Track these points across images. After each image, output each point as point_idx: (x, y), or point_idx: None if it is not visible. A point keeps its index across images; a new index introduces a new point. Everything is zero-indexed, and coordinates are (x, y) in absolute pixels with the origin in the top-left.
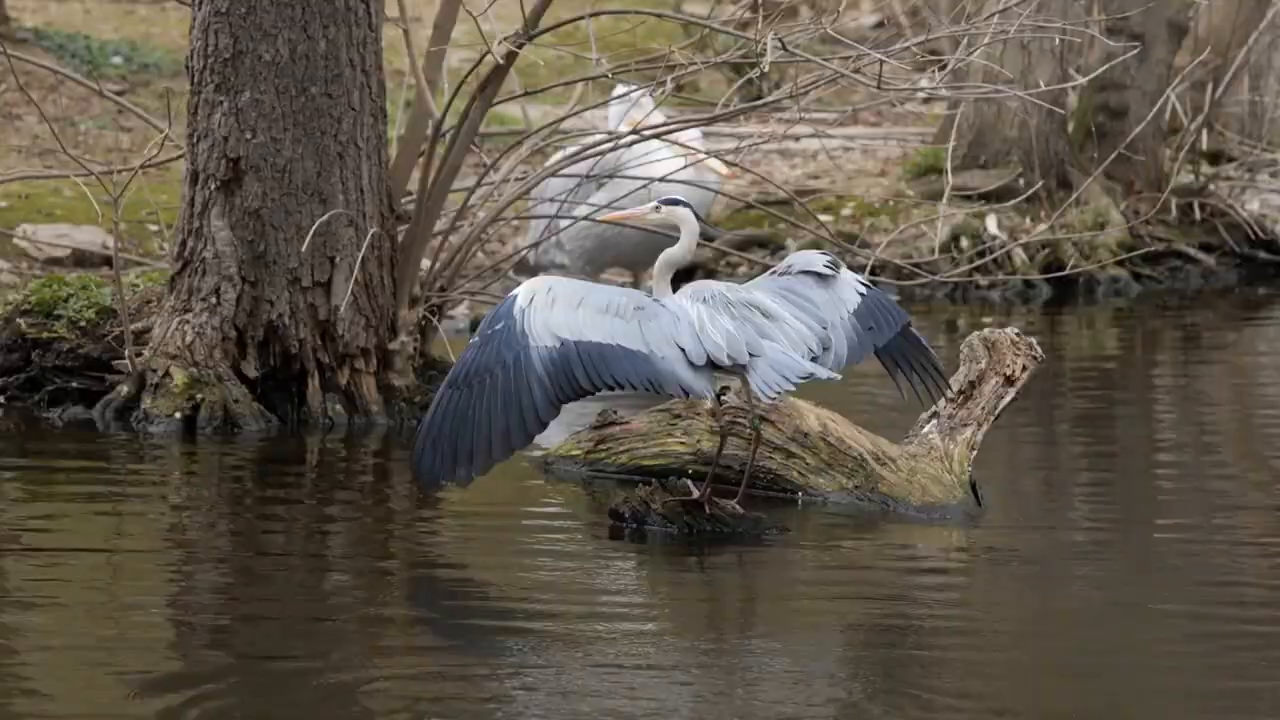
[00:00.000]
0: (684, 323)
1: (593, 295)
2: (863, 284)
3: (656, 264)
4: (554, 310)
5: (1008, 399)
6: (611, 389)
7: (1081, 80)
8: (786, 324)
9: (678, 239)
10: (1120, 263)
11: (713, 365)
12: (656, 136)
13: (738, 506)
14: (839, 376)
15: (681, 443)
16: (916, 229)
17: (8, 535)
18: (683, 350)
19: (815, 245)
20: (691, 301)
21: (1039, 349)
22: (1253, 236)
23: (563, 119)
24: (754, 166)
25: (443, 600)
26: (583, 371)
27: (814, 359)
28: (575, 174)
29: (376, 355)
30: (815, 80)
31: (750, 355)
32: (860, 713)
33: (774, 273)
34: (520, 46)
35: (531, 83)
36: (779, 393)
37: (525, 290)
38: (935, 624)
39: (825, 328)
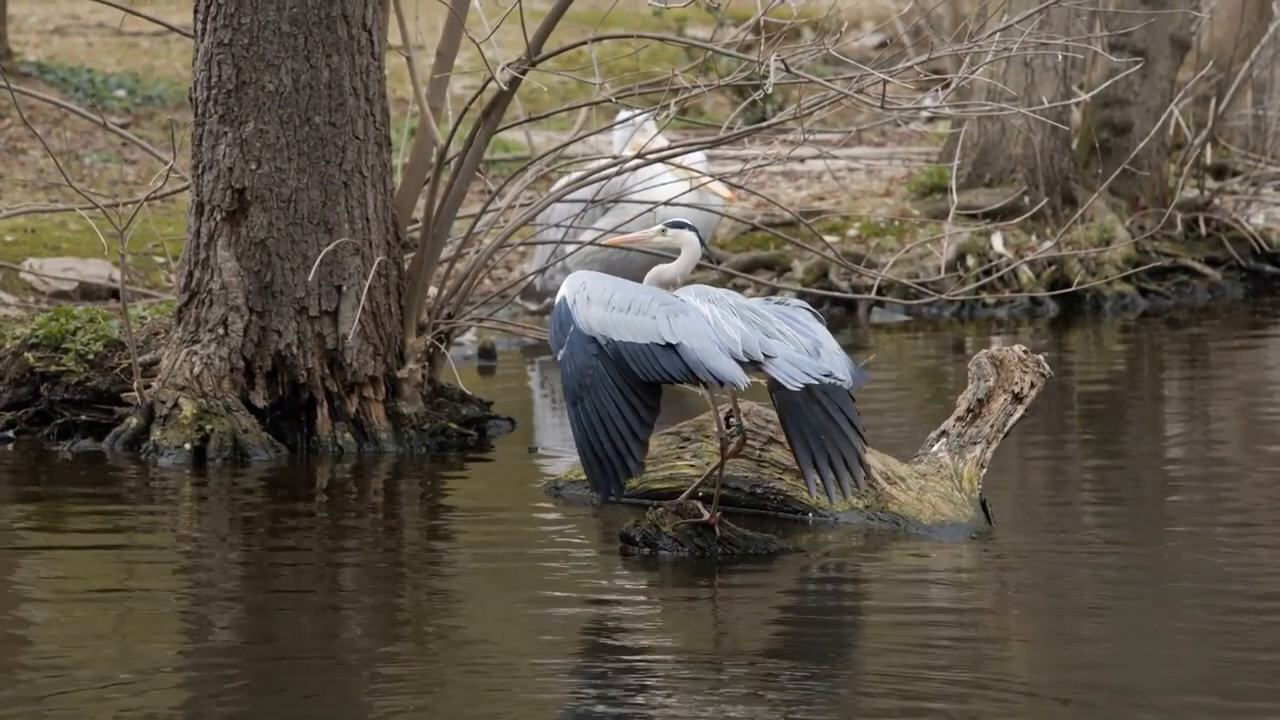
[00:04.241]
0: (704, 319)
1: (618, 294)
2: None
3: (647, 277)
4: (591, 309)
5: (1016, 416)
6: (660, 381)
7: (1085, 97)
8: (785, 331)
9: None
10: (1126, 278)
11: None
12: (661, 160)
13: (699, 506)
14: (849, 382)
15: (691, 465)
16: (922, 248)
17: (21, 566)
18: (712, 342)
19: (821, 267)
20: (700, 301)
21: (1047, 366)
22: (1258, 250)
23: (567, 144)
24: (759, 188)
25: (454, 625)
26: (633, 365)
27: None
28: (580, 199)
29: (385, 383)
30: (819, 101)
31: (764, 355)
32: None
33: (768, 300)
34: (524, 72)
35: (535, 108)
36: (802, 385)
37: (568, 292)
38: (947, 641)
39: (818, 346)
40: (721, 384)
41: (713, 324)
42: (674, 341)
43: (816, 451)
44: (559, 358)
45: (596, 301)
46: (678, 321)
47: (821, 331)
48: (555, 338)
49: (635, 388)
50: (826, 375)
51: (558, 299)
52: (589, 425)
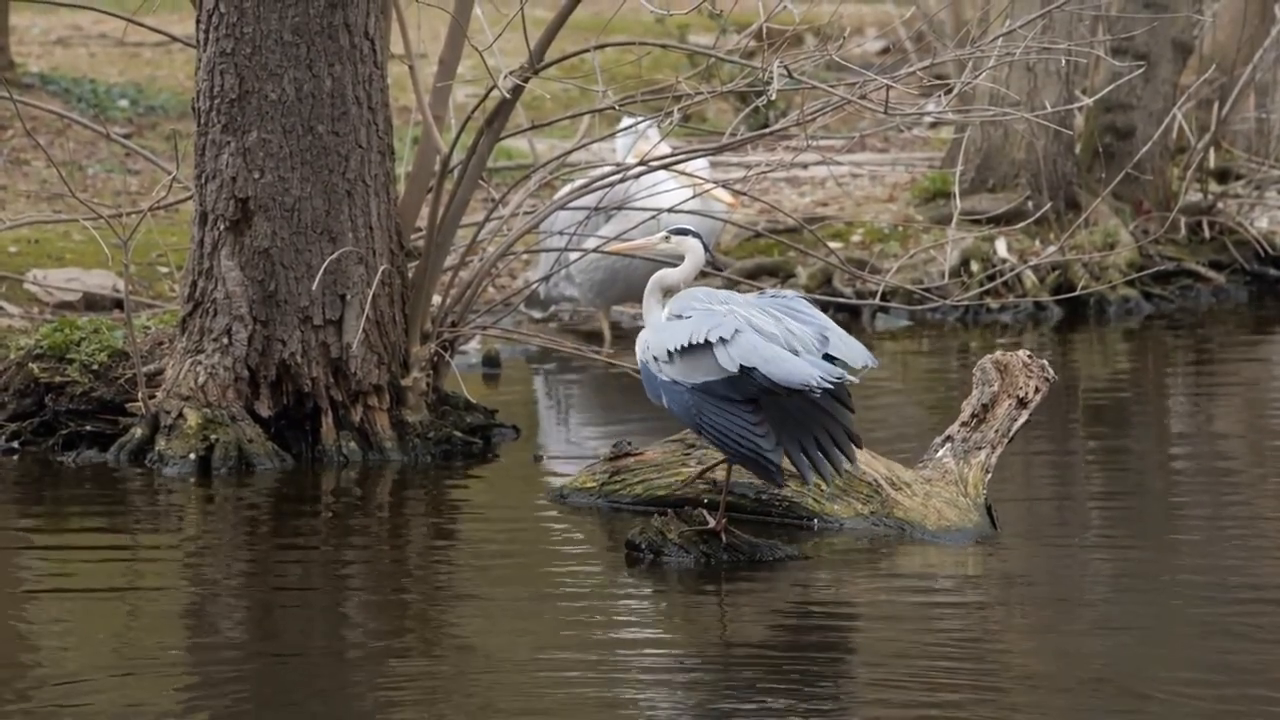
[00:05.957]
0: (743, 321)
1: (678, 340)
2: None
3: (650, 283)
4: (661, 366)
5: (1021, 421)
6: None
7: (1088, 101)
8: (794, 329)
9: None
10: (1130, 282)
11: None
12: (664, 167)
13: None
14: (875, 363)
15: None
16: (926, 254)
17: (27, 579)
18: (770, 350)
19: (825, 273)
20: (714, 303)
21: (1051, 370)
22: (1262, 254)
23: (570, 152)
24: (762, 195)
25: (458, 628)
26: (723, 389)
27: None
28: (584, 206)
29: (389, 391)
30: (822, 107)
31: (795, 350)
32: None
33: (763, 294)
34: (526, 80)
35: (538, 116)
36: (819, 390)
37: (640, 354)
38: (952, 644)
39: (826, 334)
40: (799, 391)
41: (746, 324)
42: (737, 368)
43: (804, 439)
44: (664, 404)
45: (662, 358)
46: (734, 349)
47: (822, 317)
48: (652, 392)
49: (732, 400)
50: (839, 379)
51: (639, 362)
52: (719, 439)
